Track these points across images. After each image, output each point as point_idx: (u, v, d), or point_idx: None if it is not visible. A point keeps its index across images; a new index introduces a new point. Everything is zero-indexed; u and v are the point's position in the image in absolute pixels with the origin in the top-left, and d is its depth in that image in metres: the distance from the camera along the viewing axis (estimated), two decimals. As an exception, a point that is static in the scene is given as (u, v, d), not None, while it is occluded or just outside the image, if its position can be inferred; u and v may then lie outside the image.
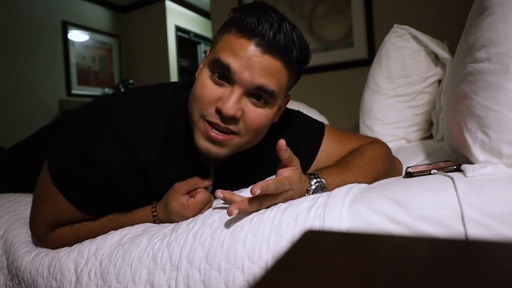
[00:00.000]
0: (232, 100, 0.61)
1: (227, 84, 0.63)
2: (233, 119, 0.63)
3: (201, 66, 0.71)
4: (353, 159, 0.75)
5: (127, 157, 0.65)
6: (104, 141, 0.65)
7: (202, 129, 0.64)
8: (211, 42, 0.70)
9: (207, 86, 0.63)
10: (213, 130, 0.64)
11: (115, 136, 0.65)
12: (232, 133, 0.65)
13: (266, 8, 0.64)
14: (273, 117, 0.70)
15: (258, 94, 0.64)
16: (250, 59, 0.61)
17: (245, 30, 0.61)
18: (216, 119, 0.63)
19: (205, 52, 0.73)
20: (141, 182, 0.69)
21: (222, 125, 0.63)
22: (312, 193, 0.66)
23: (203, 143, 0.65)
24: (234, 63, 0.61)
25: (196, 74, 0.71)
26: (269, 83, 0.63)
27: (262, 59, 0.61)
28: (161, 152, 0.68)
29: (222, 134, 0.64)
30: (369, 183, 0.70)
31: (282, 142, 0.60)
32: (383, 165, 0.77)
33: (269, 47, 0.61)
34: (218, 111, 0.63)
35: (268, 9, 0.64)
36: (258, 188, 0.57)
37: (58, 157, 0.70)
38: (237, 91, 0.62)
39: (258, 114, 0.65)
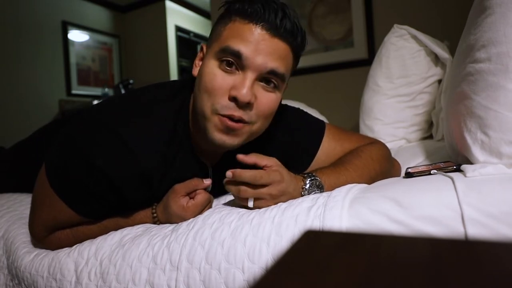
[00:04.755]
0: (246, 86, 0.61)
1: (237, 71, 0.63)
2: (247, 105, 0.63)
3: (200, 60, 0.71)
4: (349, 158, 0.75)
5: (131, 165, 0.64)
6: (106, 148, 0.64)
7: (216, 123, 0.64)
8: (209, 36, 0.70)
9: (217, 75, 0.63)
10: (229, 120, 0.65)
11: (118, 143, 0.63)
12: (244, 122, 0.65)
13: None
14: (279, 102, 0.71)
15: (268, 79, 0.64)
16: (260, 43, 0.61)
17: (251, 16, 0.62)
18: (230, 111, 0.63)
19: (200, 48, 0.72)
20: (144, 188, 0.69)
21: (236, 115, 0.63)
22: (308, 192, 0.66)
23: (217, 136, 0.65)
24: (244, 49, 0.61)
25: (196, 70, 0.70)
26: (280, 66, 0.63)
27: (272, 42, 0.62)
28: (163, 156, 0.68)
29: (236, 122, 0.65)
30: (366, 182, 0.70)
31: (239, 157, 0.63)
32: (380, 165, 0.76)
33: (277, 30, 0.62)
34: (233, 99, 0.62)
35: None
36: (230, 171, 0.61)
37: (58, 161, 0.69)
38: (250, 76, 0.62)
39: (269, 99, 0.65)
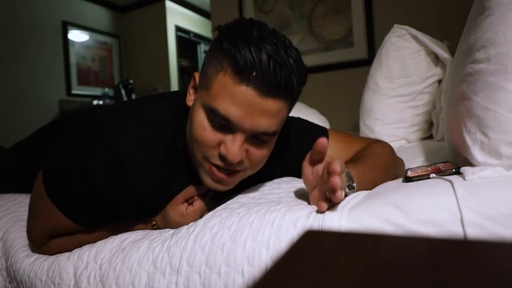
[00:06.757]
0: (236, 147, 0.59)
1: (227, 131, 0.61)
2: (239, 163, 0.62)
3: (193, 88, 0.67)
4: (366, 153, 0.76)
5: (124, 183, 0.64)
6: (100, 162, 0.63)
7: (207, 170, 0.64)
8: (202, 69, 0.65)
9: (206, 130, 0.61)
10: (219, 171, 0.63)
11: (112, 159, 0.62)
12: (237, 171, 0.64)
13: (259, 36, 0.57)
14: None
15: (259, 137, 0.62)
16: (251, 106, 0.57)
17: (242, 72, 0.56)
18: (220, 162, 0.62)
19: (193, 77, 0.69)
20: (138, 206, 0.68)
21: (227, 169, 0.63)
22: (348, 187, 0.63)
23: (210, 183, 0.65)
24: (233, 114, 0.57)
25: (190, 100, 0.67)
26: (272, 126, 0.60)
27: (264, 104, 0.57)
28: (159, 177, 0.67)
29: (227, 174, 0.63)
30: (382, 176, 0.71)
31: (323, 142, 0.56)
32: (393, 159, 0.80)
33: (270, 90, 0.57)
34: (223, 157, 0.61)
35: (261, 36, 0.57)
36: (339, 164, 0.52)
37: (54, 171, 0.68)
38: (239, 138, 0.60)
39: (261, 152, 0.64)
